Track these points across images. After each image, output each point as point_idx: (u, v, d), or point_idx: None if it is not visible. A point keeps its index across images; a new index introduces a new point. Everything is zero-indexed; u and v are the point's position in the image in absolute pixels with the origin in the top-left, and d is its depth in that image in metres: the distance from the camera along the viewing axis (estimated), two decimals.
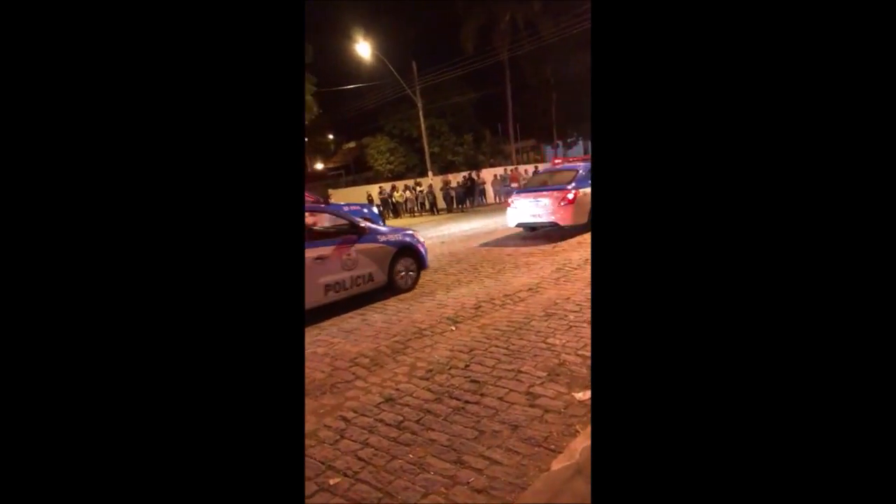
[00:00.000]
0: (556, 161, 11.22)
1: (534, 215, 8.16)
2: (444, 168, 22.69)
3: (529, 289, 5.11)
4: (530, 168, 21.49)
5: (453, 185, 18.69)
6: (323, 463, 2.28)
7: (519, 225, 8.59)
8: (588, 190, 7.74)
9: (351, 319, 4.77)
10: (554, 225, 7.99)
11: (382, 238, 5.39)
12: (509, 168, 21.56)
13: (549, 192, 8.02)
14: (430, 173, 19.48)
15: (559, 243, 7.73)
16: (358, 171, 28.96)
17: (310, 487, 2.10)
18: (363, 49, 17.90)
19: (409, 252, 5.66)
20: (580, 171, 8.09)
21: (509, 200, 8.84)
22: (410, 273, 5.70)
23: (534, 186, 8.80)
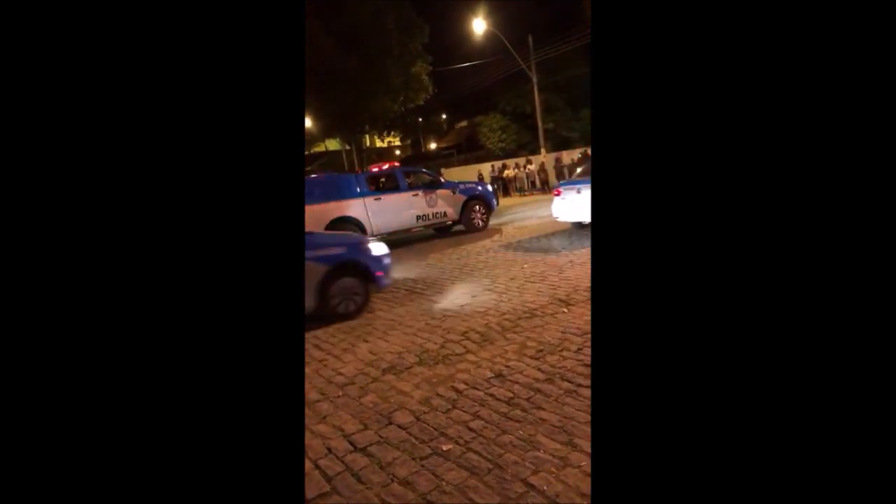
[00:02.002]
0: None
1: (581, 212, 6.92)
2: (559, 145, 21.91)
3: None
4: None
5: (566, 162, 17.99)
6: (436, 429, 2.40)
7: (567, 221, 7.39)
8: None
9: (461, 297, 4.89)
10: None
11: (458, 188, 8.58)
12: None
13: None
14: (542, 150, 18.95)
15: None
16: (470, 150, 29.17)
17: (424, 450, 2.22)
18: (478, 25, 17.73)
19: (479, 199, 8.62)
20: None
21: (556, 190, 7.73)
22: (482, 215, 8.88)
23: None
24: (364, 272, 4.45)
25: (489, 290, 4.98)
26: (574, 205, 7.02)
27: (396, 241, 8.50)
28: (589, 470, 1.95)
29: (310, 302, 4.09)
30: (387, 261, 4.61)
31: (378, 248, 4.57)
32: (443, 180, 9.13)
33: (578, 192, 6.89)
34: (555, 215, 7.55)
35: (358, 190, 8.16)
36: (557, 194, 7.48)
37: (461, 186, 9.27)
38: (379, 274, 4.51)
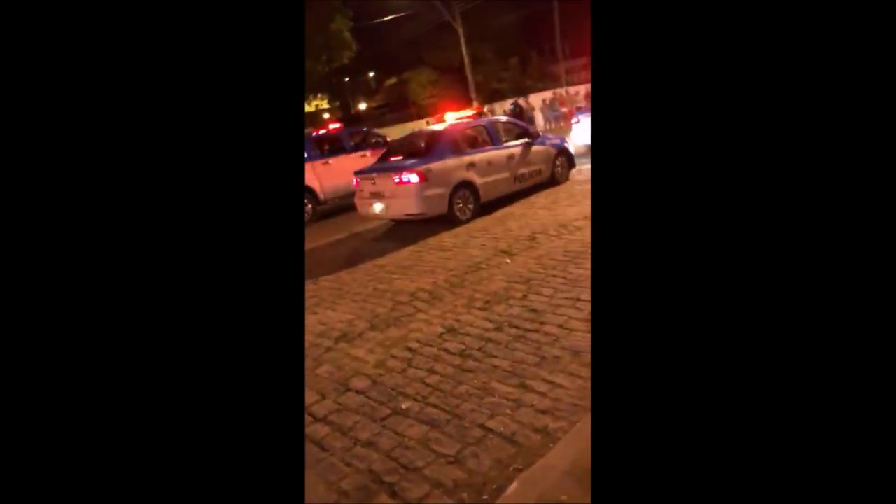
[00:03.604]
0: None
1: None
2: (490, 97, 21.84)
3: (585, 217, 4.99)
4: (581, 88, 20.25)
5: (499, 114, 18.01)
6: (394, 389, 2.44)
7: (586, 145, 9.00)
8: None
9: (408, 258, 4.89)
10: None
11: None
12: (558, 91, 20.44)
13: None
14: (474, 104, 18.83)
15: None
16: (402, 108, 28.47)
17: (383, 411, 2.27)
18: None
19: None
20: None
21: (574, 118, 9.75)
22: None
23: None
24: (569, 156, 7.44)
25: (435, 249, 5.01)
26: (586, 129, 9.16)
27: (335, 208, 8.29)
28: (541, 407, 2.07)
29: (547, 172, 6.98)
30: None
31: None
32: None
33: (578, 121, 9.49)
34: (577, 142, 9.08)
35: (305, 154, 7.72)
36: (576, 123, 9.86)
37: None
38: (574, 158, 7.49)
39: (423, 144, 6.31)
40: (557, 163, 7.15)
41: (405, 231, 6.13)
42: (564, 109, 18.15)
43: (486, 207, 6.12)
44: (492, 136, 6.56)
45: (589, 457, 1.70)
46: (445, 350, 2.76)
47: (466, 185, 5.93)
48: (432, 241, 5.33)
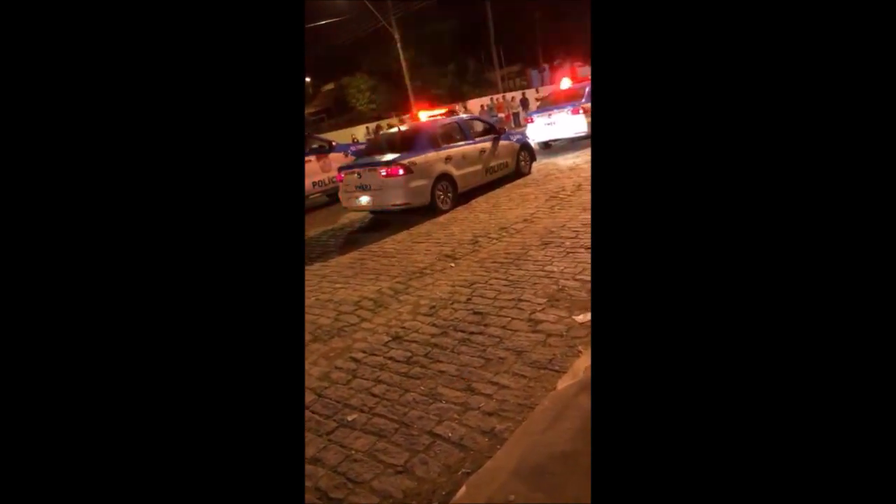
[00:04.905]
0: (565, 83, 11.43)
1: (549, 131, 9.89)
2: (429, 103, 21.94)
3: (524, 220, 5.12)
4: (517, 94, 20.82)
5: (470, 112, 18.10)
6: (339, 402, 2.38)
7: (539, 142, 9.91)
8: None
9: (350, 265, 4.81)
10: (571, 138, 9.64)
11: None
12: (495, 97, 20.89)
13: (560, 110, 9.62)
14: (413, 109, 18.85)
15: (552, 171, 7.68)
16: (340, 114, 28.01)
17: (329, 425, 2.20)
18: None
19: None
20: (587, 88, 9.62)
21: (528, 118, 10.59)
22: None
23: (547, 106, 10.30)
24: (530, 150, 8.07)
25: (378, 255, 4.96)
26: (540, 128, 10.01)
27: None
28: (488, 409, 2.09)
29: (512, 165, 7.57)
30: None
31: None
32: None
33: (549, 116, 9.89)
34: (534, 139, 9.72)
35: None
36: (529, 123, 10.39)
37: (352, 148, 9.24)
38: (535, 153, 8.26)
39: (403, 140, 6.64)
40: (521, 156, 7.77)
41: (346, 236, 6.04)
42: (502, 115, 18.58)
43: (462, 197, 6.63)
44: (464, 132, 7.07)
45: (534, 454, 1.74)
46: (391, 358, 2.72)
47: (446, 177, 6.37)
48: (374, 247, 5.28)
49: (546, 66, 30.68)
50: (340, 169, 6.71)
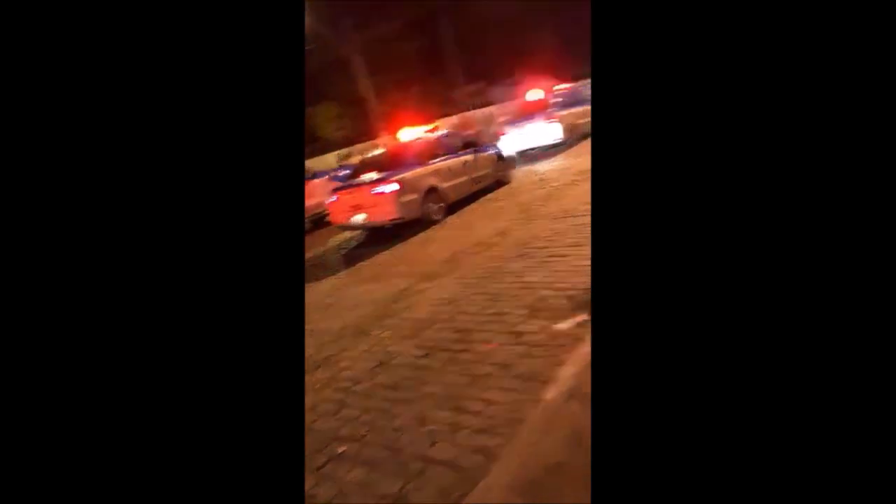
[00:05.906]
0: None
1: (522, 141, 10.48)
2: (397, 125, 22.10)
3: (499, 233, 5.17)
4: (485, 110, 21.15)
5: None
6: (328, 434, 2.34)
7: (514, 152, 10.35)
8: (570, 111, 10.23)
9: (329, 294, 4.77)
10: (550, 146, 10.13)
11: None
12: (466, 114, 21.19)
13: (530, 120, 10.23)
14: (381, 133, 18.99)
15: (524, 183, 7.81)
16: (309, 143, 27.98)
17: (319, 459, 2.16)
18: None
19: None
20: (558, 98, 10.33)
21: (501, 132, 11.06)
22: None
23: (517, 118, 10.93)
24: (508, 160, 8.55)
25: (363, 281, 4.93)
26: (513, 140, 10.50)
27: None
28: (478, 427, 2.08)
29: (492, 175, 7.94)
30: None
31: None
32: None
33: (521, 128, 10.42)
34: (507, 151, 9.78)
35: None
36: (502, 135, 10.81)
37: (339, 172, 9.81)
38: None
39: (391, 159, 7.12)
40: (500, 166, 8.29)
41: (321, 263, 6.01)
42: (471, 131, 18.83)
43: (451, 208, 6.99)
44: (447, 146, 7.52)
45: (528, 468, 1.74)
46: (379, 384, 2.70)
47: (434, 190, 6.70)
48: (351, 272, 5.25)
49: (510, 80, 31.30)
50: (335, 190, 7.07)
